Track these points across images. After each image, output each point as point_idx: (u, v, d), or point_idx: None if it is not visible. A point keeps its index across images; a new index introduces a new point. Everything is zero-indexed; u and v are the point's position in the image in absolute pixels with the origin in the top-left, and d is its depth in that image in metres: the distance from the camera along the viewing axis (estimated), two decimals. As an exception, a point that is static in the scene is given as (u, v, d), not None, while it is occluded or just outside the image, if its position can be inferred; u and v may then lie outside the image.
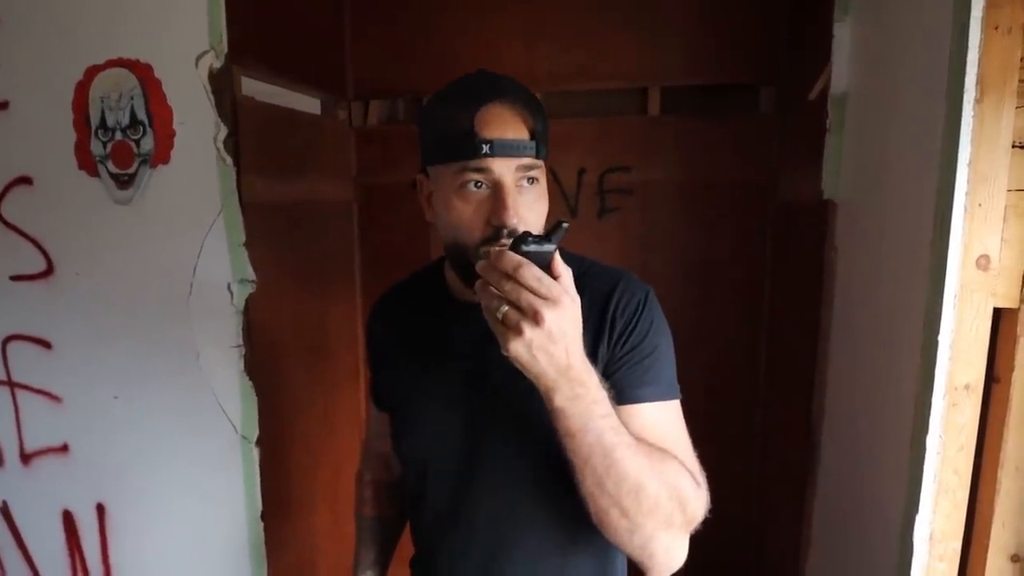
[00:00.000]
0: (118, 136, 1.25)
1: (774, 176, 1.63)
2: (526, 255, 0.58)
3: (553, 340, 0.58)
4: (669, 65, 1.67)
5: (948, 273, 0.73)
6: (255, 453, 1.25)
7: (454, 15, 1.72)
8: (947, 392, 0.75)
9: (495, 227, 0.68)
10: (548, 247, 0.59)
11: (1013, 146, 0.72)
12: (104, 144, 1.25)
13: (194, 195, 1.22)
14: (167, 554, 1.32)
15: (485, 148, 0.67)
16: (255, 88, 1.41)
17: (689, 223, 1.68)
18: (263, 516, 1.26)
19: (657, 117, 1.70)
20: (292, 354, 1.47)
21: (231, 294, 1.22)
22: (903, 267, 0.85)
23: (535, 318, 0.57)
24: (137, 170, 1.24)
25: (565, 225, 0.60)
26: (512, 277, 0.57)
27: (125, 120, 1.24)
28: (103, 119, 1.24)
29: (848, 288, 1.08)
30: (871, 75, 1.02)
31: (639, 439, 0.65)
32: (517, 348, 0.58)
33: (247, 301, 1.23)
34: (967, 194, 0.72)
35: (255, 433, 1.24)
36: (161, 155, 1.23)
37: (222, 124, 1.19)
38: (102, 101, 1.24)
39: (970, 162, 0.72)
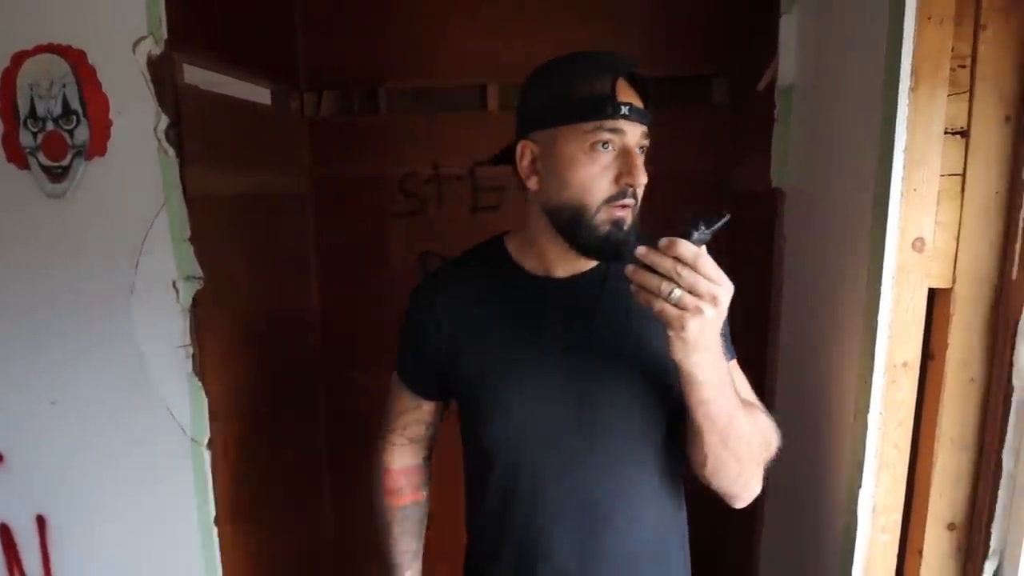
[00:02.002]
0: (49, 126, 1.18)
1: (728, 166, 1.67)
2: (696, 243, 0.63)
3: (721, 319, 0.65)
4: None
5: (886, 255, 0.76)
6: (206, 456, 1.20)
7: (411, 3, 1.69)
8: (887, 370, 0.78)
9: (622, 188, 0.74)
10: (708, 235, 0.64)
11: (945, 132, 0.76)
12: (34, 135, 1.18)
13: (134, 188, 1.16)
14: (115, 565, 1.26)
15: (624, 110, 0.73)
16: (200, 77, 1.35)
17: (644, 213, 1.70)
18: (216, 521, 1.22)
19: (615, 108, 1.71)
20: (244, 353, 1.42)
21: (176, 292, 1.17)
22: (845, 251, 0.88)
23: (714, 302, 0.63)
24: (71, 162, 1.18)
25: (728, 216, 0.64)
26: (690, 265, 0.62)
27: (57, 109, 1.17)
28: (32, 108, 1.17)
29: (796, 274, 1.11)
30: (816, 66, 1.05)
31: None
32: (693, 328, 0.63)
33: (194, 299, 1.18)
34: (903, 179, 0.75)
35: (206, 435, 1.20)
36: (97, 146, 1.17)
37: (163, 114, 1.14)
38: (31, 89, 1.16)
39: (906, 148, 0.75)
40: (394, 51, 1.71)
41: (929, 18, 0.73)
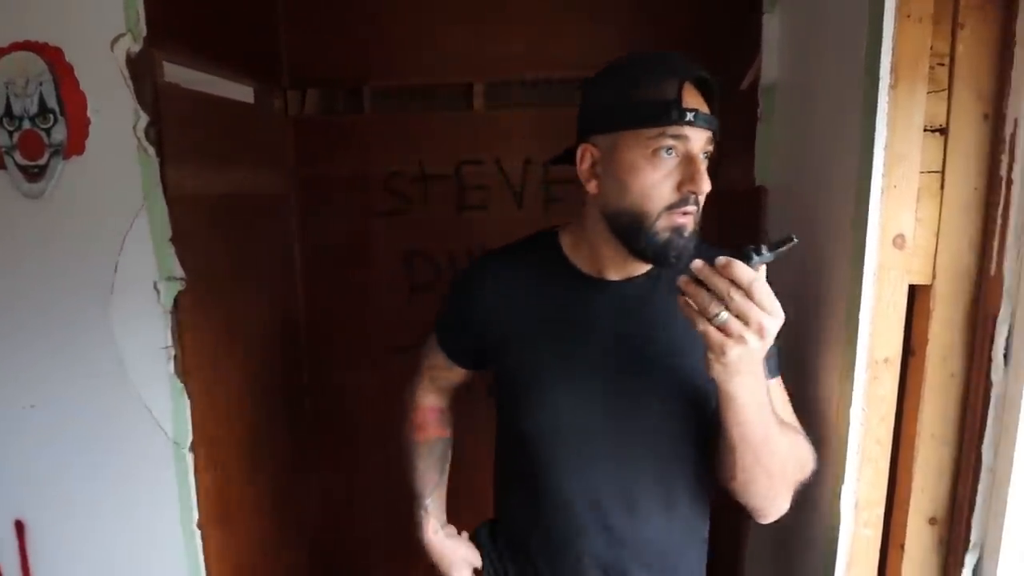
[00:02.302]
0: (26, 125, 1.16)
1: (714, 163, 1.67)
2: (756, 266, 0.61)
3: (766, 348, 0.63)
4: (611, 56, 1.68)
5: (867, 252, 0.77)
6: (189, 459, 1.19)
7: (396, 0, 1.68)
8: (868, 366, 0.79)
9: (684, 195, 0.73)
10: (771, 258, 0.62)
11: (925, 129, 0.76)
12: (10, 134, 1.16)
13: (114, 188, 1.14)
14: (96, 570, 1.24)
15: (689, 116, 0.71)
16: (181, 75, 1.33)
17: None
18: (200, 525, 1.21)
19: (600, 107, 1.71)
20: (227, 354, 1.41)
21: (158, 293, 1.16)
22: (827, 248, 0.88)
23: (760, 332, 0.61)
24: (48, 161, 1.16)
25: (795, 240, 0.61)
26: (744, 289, 0.60)
27: (33, 108, 1.15)
28: (8, 107, 1.15)
29: (780, 271, 1.12)
30: (798, 65, 1.06)
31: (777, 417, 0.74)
32: (733, 355, 0.62)
33: (176, 300, 1.17)
34: (883, 176, 0.76)
35: (188, 438, 1.19)
36: (75, 145, 1.15)
37: (142, 112, 1.12)
38: (7, 87, 1.14)
39: (886, 145, 0.76)
40: (378, 49, 1.70)
41: (908, 16, 0.74)
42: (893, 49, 0.74)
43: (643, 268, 0.82)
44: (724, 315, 0.61)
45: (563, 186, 1.75)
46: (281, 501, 1.66)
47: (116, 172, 1.14)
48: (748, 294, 0.60)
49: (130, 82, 1.11)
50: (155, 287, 1.15)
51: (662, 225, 0.74)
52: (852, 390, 0.80)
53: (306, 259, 1.81)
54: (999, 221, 0.75)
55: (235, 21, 1.55)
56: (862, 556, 0.84)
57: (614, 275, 0.82)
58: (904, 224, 0.77)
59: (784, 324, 0.64)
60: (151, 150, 1.13)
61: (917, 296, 0.80)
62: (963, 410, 0.80)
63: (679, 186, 0.73)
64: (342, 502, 1.93)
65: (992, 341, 0.75)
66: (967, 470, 0.80)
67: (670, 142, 0.72)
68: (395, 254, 1.80)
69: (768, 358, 0.79)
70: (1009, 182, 0.74)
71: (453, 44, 1.69)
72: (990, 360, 0.76)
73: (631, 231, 0.75)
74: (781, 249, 0.61)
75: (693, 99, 0.73)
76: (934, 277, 0.78)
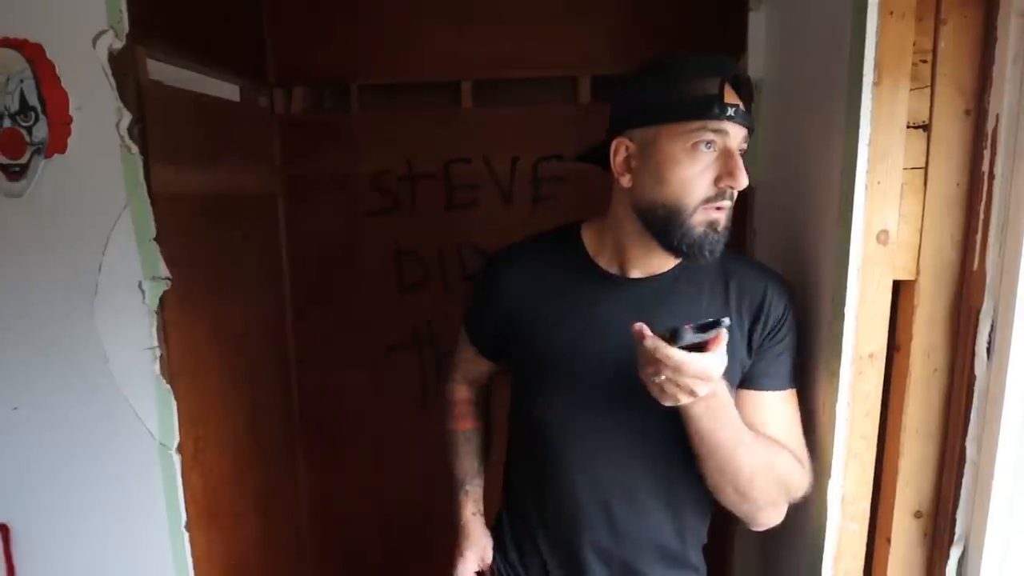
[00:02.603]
0: (7, 123, 1.14)
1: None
2: (686, 346, 0.65)
3: (701, 400, 0.69)
4: (599, 54, 1.69)
5: (852, 248, 0.77)
6: (176, 460, 1.17)
7: (383, -1, 1.67)
8: (854, 361, 0.79)
9: (721, 189, 0.74)
10: (701, 339, 0.66)
11: (908, 126, 0.77)
12: (-10, 132, 1.14)
13: (96, 187, 1.12)
14: (83, 575, 1.23)
15: (730, 111, 0.73)
16: (165, 72, 1.32)
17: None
18: (187, 527, 1.20)
19: (588, 105, 1.71)
20: (214, 354, 1.39)
21: (142, 293, 1.14)
22: (812, 244, 0.89)
23: (692, 395, 0.67)
24: (30, 160, 1.14)
25: (726, 323, 0.66)
26: (670, 367, 0.65)
27: (14, 106, 1.13)
28: (-12, 105, 1.13)
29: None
30: (783, 62, 1.06)
31: (759, 434, 0.77)
32: (671, 403, 0.69)
33: (161, 300, 1.15)
34: (867, 172, 0.76)
35: (175, 439, 1.17)
36: (57, 144, 1.13)
37: (125, 110, 1.10)
38: (-14, 85, 1.13)
39: (870, 142, 0.76)
40: (366, 47, 1.69)
41: (891, 13, 0.74)
42: (876, 46, 0.75)
43: (664, 266, 0.83)
44: (661, 376, 0.67)
45: (552, 184, 1.74)
46: (271, 502, 1.65)
47: (99, 171, 1.12)
48: (677, 370, 0.65)
49: (113, 80, 1.10)
50: (140, 287, 1.14)
51: (698, 219, 0.75)
52: (838, 385, 0.80)
53: (293, 258, 1.79)
54: (981, 216, 0.76)
55: (221, 18, 1.53)
56: (849, 550, 0.85)
57: (636, 272, 0.84)
58: (888, 220, 0.77)
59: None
60: (134, 148, 1.11)
61: (901, 292, 0.81)
62: (947, 405, 0.81)
63: (717, 180, 0.74)
64: (332, 502, 1.92)
65: (975, 336, 0.76)
66: (951, 464, 0.81)
67: (710, 136, 0.73)
68: (383, 253, 1.79)
69: (774, 372, 0.82)
70: (991, 177, 0.74)
71: (441, 42, 1.68)
72: (973, 355, 0.77)
73: (666, 225, 0.76)
74: (709, 332, 0.65)
75: (732, 96, 0.75)
76: (918, 273, 0.79)
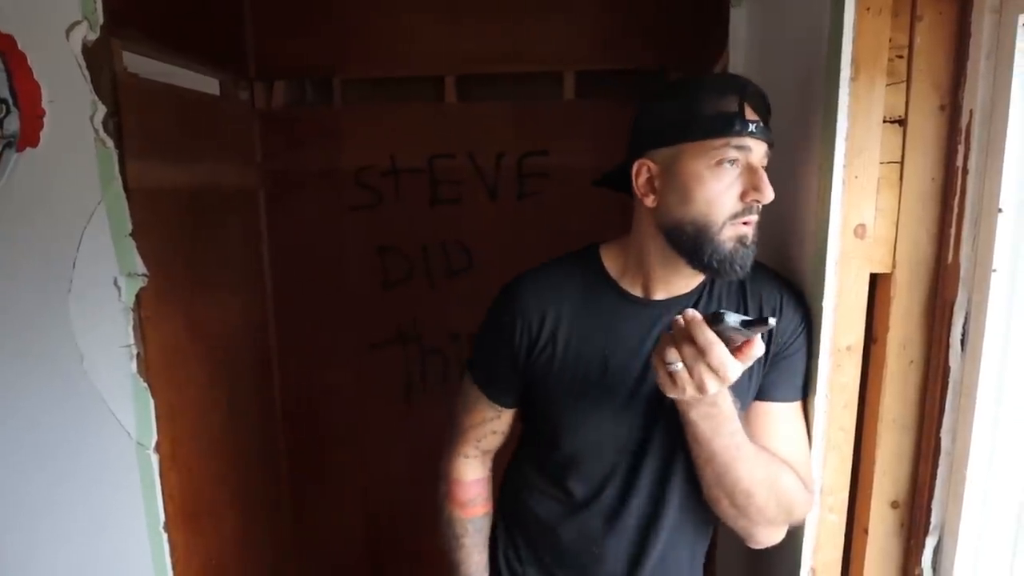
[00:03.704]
0: (-23, 116, 1.11)
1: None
2: (718, 332, 0.63)
3: (706, 402, 0.69)
4: (583, 50, 1.69)
5: (830, 242, 0.78)
6: (153, 460, 1.16)
7: (365, -10, 1.66)
8: (832, 353, 0.80)
9: (748, 204, 0.74)
10: (741, 335, 0.63)
11: (884, 121, 0.77)
12: (-40, 125, 1.11)
13: (70, 181, 1.10)
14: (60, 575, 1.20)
15: (752, 127, 0.73)
16: (141, 65, 1.30)
17: (606, 205, 1.71)
18: (166, 527, 1.18)
19: (573, 101, 1.71)
20: (193, 352, 1.37)
21: (118, 290, 1.12)
22: (792, 238, 0.90)
23: (701, 389, 0.65)
24: (1, 154, 1.11)
25: (772, 323, 0.62)
26: (698, 347, 0.63)
27: (-16, 98, 1.11)
28: (-43, 97, 1.10)
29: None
30: (764, 58, 1.07)
31: (764, 451, 0.77)
32: (672, 396, 0.68)
33: (138, 297, 1.13)
34: (845, 167, 0.77)
35: (152, 438, 1.15)
36: (29, 137, 1.10)
37: (100, 103, 1.08)
38: (-45, 77, 1.10)
39: (847, 137, 0.77)
40: (348, 40, 1.68)
41: (868, 9, 0.75)
42: (853, 41, 0.75)
43: (687, 287, 0.83)
44: (678, 365, 0.65)
45: (537, 180, 1.74)
46: (252, 500, 1.63)
47: (73, 165, 1.10)
48: (701, 353, 0.63)
49: (86, 72, 1.08)
50: (115, 283, 1.12)
51: (727, 235, 0.75)
52: (816, 378, 0.81)
53: (275, 254, 1.78)
54: (956, 210, 0.77)
55: (199, 10, 1.51)
56: (828, 540, 0.86)
57: (660, 294, 0.82)
58: (865, 214, 0.78)
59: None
60: (109, 142, 1.09)
61: (878, 285, 0.82)
62: (923, 396, 0.82)
63: (743, 196, 0.74)
64: (315, 500, 1.91)
65: (950, 328, 0.77)
66: (927, 455, 0.82)
67: (734, 153, 0.74)
68: (367, 249, 1.78)
69: (785, 382, 0.82)
70: (965, 172, 0.75)
71: (425, 36, 1.68)
72: (948, 347, 0.78)
73: (695, 242, 0.76)
74: (751, 327, 0.63)
75: (751, 113, 0.75)
76: (894, 266, 0.80)
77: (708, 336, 0.63)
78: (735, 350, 0.64)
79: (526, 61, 1.70)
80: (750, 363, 0.66)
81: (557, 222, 1.73)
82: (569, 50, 1.69)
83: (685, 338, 0.64)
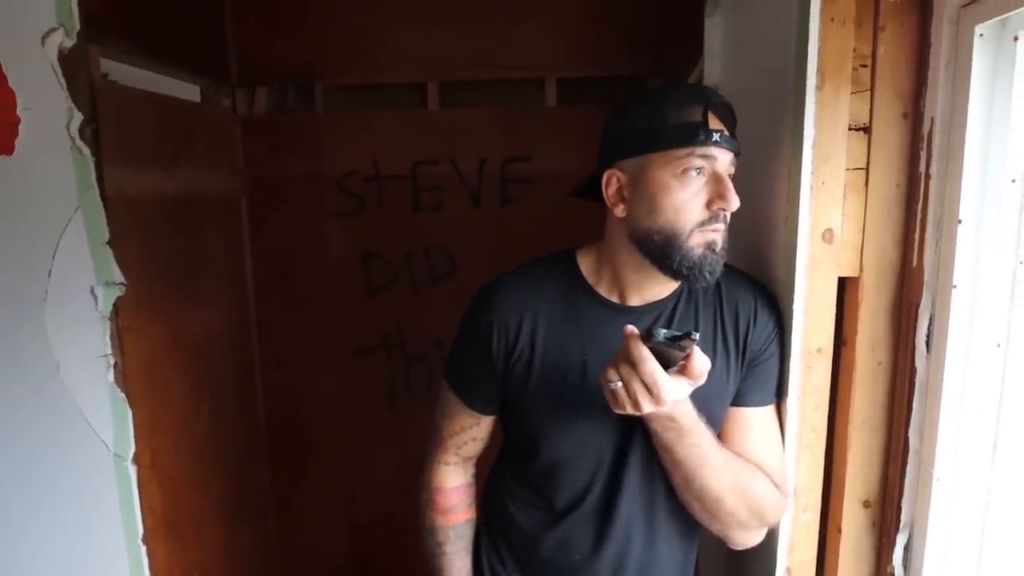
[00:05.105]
0: (-50, 124, 1.10)
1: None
2: (653, 348, 0.65)
3: (663, 415, 0.71)
4: (564, 57, 1.71)
5: (799, 246, 0.80)
6: (132, 471, 1.15)
7: (348, -4, 1.66)
8: (803, 356, 0.82)
9: (714, 212, 0.76)
10: (676, 352, 0.65)
11: (850, 128, 0.80)
12: (-68, 133, 1.09)
13: (46, 189, 1.09)
14: (35, 590, 1.19)
15: (716, 136, 0.74)
16: (121, 72, 1.29)
17: (589, 212, 1.72)
18: (145, 539, 1.17)
19: (554, 108, 1.73)
20: (174, 361, 1.36)
21: (95, 299, 1.11)
22: (763, 243, 0.91)
23: (636, 407, 0.68)
24: (-25, 162, 1.10)
25: (697, 336, 0.65)
26: (631, 363, 0.66)
27: (-42, 106, 1.09)
28: (-70, 105, 1.09)
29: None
30: (738, 67, 1.09)
31: (735, 457, 0.79)
32: (618, 412, 0.70)
33: (115, 306, 1.12)
34: (812, 174, 0.79)
35: (130, 449, 1.14)
36: (4, 144, 1.09)
37: (76, 110, 1.08)
38: (-73, 84, 1.08)
39: (814, 144, 0.79)
40: (331, 46, 1.68)
41: (832, 20, 0.77)
42: (819, 51, 0.77)
43: (662, 293, 0.84)
44: (615, 384, 0.68)
45: (519, 186, 1.76)
46: (235, 510, 1.62)
47: (49, 173, 1.09)
48: (634, 370, 0.66)
49: (63, 79, 1.07)
50: (92, 292, 1.11)
51: (695, 241, 0.76)
52: (788, 380, 0.82)
53: (257, 261, 1.77)
54: (919, 215, 0.79)
55: (180, 16, 1.51)
56: (803, 540, 0.87)
57: (635, 300, 0.83)
58: (832, 219, 0.80)
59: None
60: (86, 150, 1.08)
61: (847, 288, 0.84)
62: (891, 397, 0.84)
63: (709, 204, 0.76)
64: (300, 508, 1.89)
65: (915, 330, 0.79)
66: (896, 454, 0.84)
67: (699, 162, 0.75)
68: (350, 255, 1.78)
69: (760, 387, 0.83)
70: (927, 177, 0.77)
71: (408, 43, 1.68)
72: (914, 348, 0.80)
73: (665, 250, 0.77)
74: (677, 341, 0.65)
75: (716, 123, 0.76)
76: (861, 270, 0.81)
77: (640, 352, 0.66)
78: (680, 369, 0.67)
79: (508, 68, 1.71)
80: (699, 381, 0.68)
81: (540, 228, 1.74)
82: (551, 57, 1.70)
83: (622, 354, 0.67)
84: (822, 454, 0.85)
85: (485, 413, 0.91)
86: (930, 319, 0.78)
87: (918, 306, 0.79)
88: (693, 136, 0.74)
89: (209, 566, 1.48)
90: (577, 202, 0.95)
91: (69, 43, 1.06)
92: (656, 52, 1.68)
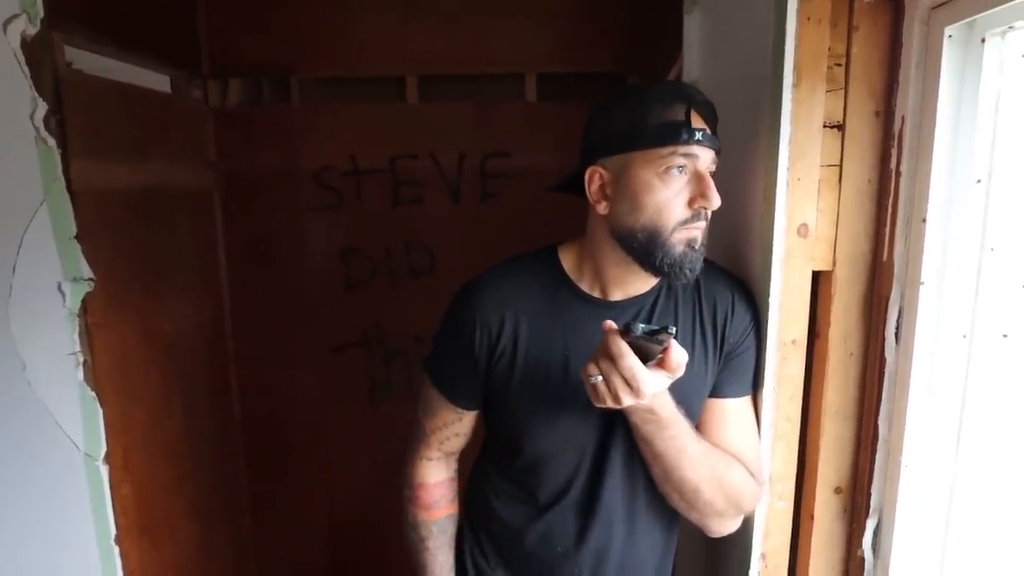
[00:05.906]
0: (-95, 113, 1.05)
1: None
2: (632, 342, 0.66)
3: (642, 408, 0.72)
4: (544, 53, 1.71)
5: (775, 241, 0.81)
6: (103, 471, 1.12)
7: (324, -12, 1.63)
8: (778, 347, 0.84)
9: (696, 210, 0.76)
10: (655, 346, 0.66)
11: (824, 126, 0.81)
12: None
13: (9, 182, 1.05)
14: (3, 594, 1.15)
15: (698, 135, 0.75)
16: (87, 61, 1.25)
17: (569, 207, 1.73)
18: (118, 540, 1.14)
19: (534, 103, 1.73)
20: (145, 359, 1.33)
21: (63, 295, 1.08)
22: (740, 238, 0.93)
23: (616, 400, 0.69)
24: (-68, 153, 1.05)
25: (674, 330, 0.67)
26: (610, 357, 0.67)
27: (-87, 95, 1.05)
28: None
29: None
30: (716, 64, 1.10)
31: (711, 448, 0.80)
32: (598, 406, 0.71)
33: (84, 302, 1.09)
34: (788, 170, 0.80)
35: (101, 449, 1.11)
36: (-37, 136, 1.05)
37: (40, 100, 1.04)
38: None
39: (790, 141, 0.80)
40: (307, 38, 1.65)
41: (808, 19, 0.79)
42: (795, 50, 0.79)
43: (643, 288, 0.84)
44: (596, 378, 0.69)
45: (499, 181, 1.75)
46: (210, 510, 1.59)
47: (12, 165, 1.05)
48: (614, 364, 0.67)
49: (26, 68, 1.03)
50: (59, 288, 1.07)
51: (677, 239, 0.77)
52: (764, 371, 0.84)
53: (232, 257, 1.74)
54: (890, 211, 0.81)
55: (149, 4, 1.46)
56: (777, 526, 0.90)
57: (617, 295, 0.84)
58: (807, 214, 0.82)
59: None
60: (51, 141, 1.05)
61: (820, 281, 0.86)
62: (862, 387, 0.86)
63: (691, 202, 0.76)
64: (277, 507, 1.87)
65: (885, 322, 0.82)
66: (866, 442, 0.86)
67: (681, 160, 0.75)
68: (328, 250, 1.76)
69: (737, 379, 0.85)
70: (898, 174, 0.80)
71: (386, 36, 1.66)
72: (884, 340, 0.82)
73: (647, 247, 0.77)
74: (655, 335, 0.66)
75: (699, 121, 0.77)
76: (834, 264, 0.84)
77: (619, 346, 0.67)
78: (658, 362, 0.68)
79: (488, 62, 1.70)
80: (677, 374, 0.69)
81: (520, 223, 1.74)
82: (530, 52, 1.70)
83: (602, 349, 0.68)
84: (796, 443, 0.88)
85: (468, 408, 0.91)
86: (899, 312, 0.81)
87: (888, 300, 0.81)
88: (676, 135, 0.75)
89: (183, 566, 1.45)
90: (557, 197, 0.96)
91: (32, 30, 1.02)
92: (635, 48, 1.69)
